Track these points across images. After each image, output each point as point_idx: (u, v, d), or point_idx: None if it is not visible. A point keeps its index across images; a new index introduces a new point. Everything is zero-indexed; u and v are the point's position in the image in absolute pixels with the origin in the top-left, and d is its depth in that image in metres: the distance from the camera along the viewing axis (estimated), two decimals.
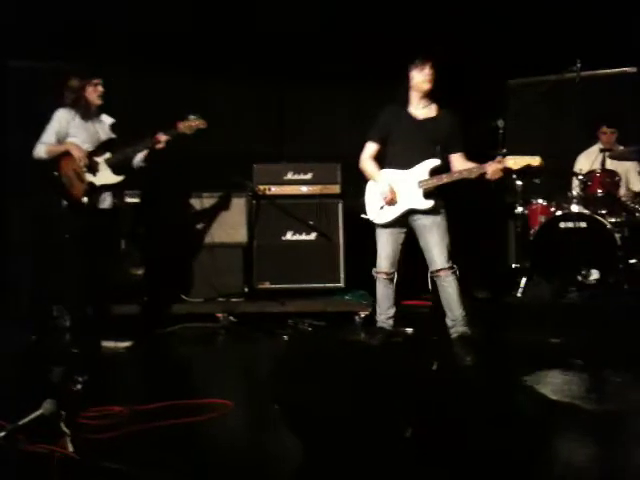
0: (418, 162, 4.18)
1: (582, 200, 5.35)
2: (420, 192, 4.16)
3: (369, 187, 4.38)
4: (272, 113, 6.49)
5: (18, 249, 5.65)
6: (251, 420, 3.31)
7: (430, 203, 4.15)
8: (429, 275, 4.25)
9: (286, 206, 5.71)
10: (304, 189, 5.79)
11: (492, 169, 4.00)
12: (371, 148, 4.33)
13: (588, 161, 5.81)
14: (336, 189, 5.72)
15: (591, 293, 4.88)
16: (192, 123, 4.57)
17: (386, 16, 5.87)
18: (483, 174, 4.04)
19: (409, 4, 5.81)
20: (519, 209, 5.55)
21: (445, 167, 4.19)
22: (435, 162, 4.16)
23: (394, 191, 4.20)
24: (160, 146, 4.57)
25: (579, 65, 5.38)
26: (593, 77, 6.17)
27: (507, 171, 4.01)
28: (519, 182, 5.54)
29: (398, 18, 5.86)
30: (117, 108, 4.76)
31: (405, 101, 4.27)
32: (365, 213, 4.39)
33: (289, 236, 5.71)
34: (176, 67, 5.88)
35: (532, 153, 5.64)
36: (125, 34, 5.58)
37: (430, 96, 4.24)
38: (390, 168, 4.29)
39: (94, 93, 4.50)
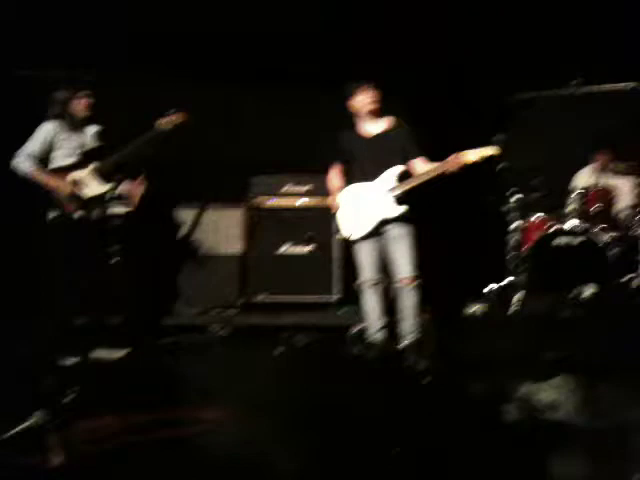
0: (380, 174, 4.29)
1: (578, 216, 5.37)
2: (391, 199, 4.25)
3: (339, 209, 4.46)
4: (274, 121, 6.42)
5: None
6: (244, 431, 3.30)
7: (403, 209, 4.25)
8: (391, 287, 4.37)
9: (283, 218, 5.71)
10: (303, 201, 5.78)
11: (449, 167, 4.12)
12: (335, 169, 4.49)
13: (585, 177, 5.84)
14: None
15: (586, 309, 4.88)
16: (171, 118, 4.58)
17: (393, 26, 5.88)
18: (444, 172, 4.15)
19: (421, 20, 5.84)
20: (516, 223, 5.56)
21: (408, 174, 4.29)
22: (399, 168, 4.26)
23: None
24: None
25: (578, 81, 5.41)
26: (594, 93, 6.23)
27: (465, 166, 4.12)
28: (518, 195, 5.55)
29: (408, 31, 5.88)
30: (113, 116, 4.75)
31: (357, 122, 4.38)
32: (340, 234, 4.49)
33: (285, 248, 5.71)
34: (171, 72, 5.81)
35: (533, 168, 5.73)
36: (118, 38, 5.58)
37: (379, 112, 4.35)
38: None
39: (79, 105, 4.52)
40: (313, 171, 5.72)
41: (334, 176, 4.51)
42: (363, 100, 4.28)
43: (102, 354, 4.55)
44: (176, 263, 5.63)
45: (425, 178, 4.20)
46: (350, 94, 4.31)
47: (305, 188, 5.81)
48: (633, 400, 3.49)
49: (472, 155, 4.09)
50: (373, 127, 4.37)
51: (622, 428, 3.17)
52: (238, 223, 5.72)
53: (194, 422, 3.13)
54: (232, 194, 5.74)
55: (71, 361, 4.40)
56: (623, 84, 6.28)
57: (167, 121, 4.57)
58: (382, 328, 4.42)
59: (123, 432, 3.00)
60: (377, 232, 4.33)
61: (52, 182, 4.45)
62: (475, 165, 4.13)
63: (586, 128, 6.08)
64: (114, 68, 5.48)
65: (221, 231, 5.69)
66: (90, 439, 2.89)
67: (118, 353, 4.58)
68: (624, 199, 5.65)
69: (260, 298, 5.64)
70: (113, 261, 4.97)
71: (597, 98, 6.30)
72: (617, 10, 5.56)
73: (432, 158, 4.37)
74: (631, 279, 5.29)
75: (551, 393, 3.63)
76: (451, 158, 4.13)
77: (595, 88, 6.30)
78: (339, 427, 2.54)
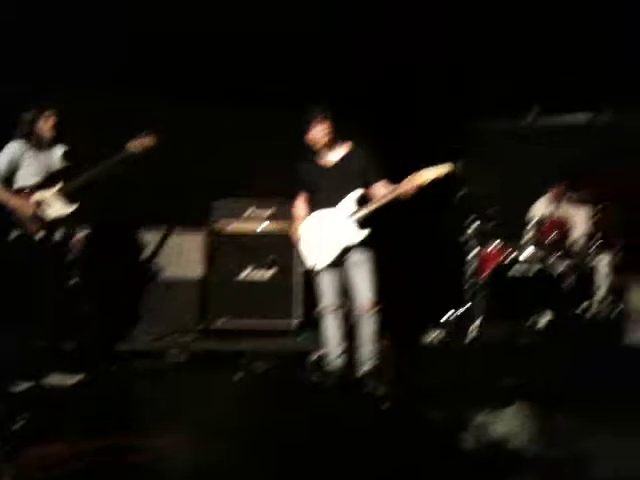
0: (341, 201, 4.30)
1: (535, 245, 5.47)
2: (353, 224, 4.25)
3: (301, 238, 4.45)
4: (238, 144, 6.25)
5: None
6: (200, 457, 3.24)
7: (365, 232, 4.24)
8: (352, 313, 4.32)
9: (245, 242, 5.69)
10: (265, 225, 5.77)
11: (407, 188, 4.12)
12: (301, 197, 4.47)
13: (542, 208, 5.96)
14: None
15: (542, 337, 4.95)
16: (143, 140, 4.56)
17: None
18: (403, 194, 4.14)
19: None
20: (474, 251, 5.64)
21: (368, 198, 4.28)
22: (357, 193, 4.26)
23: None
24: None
25: (536, 112, 5.54)
26: (550, 124, 6.39)
27: (423, 187, 4.11)
28: (476, 223, 5.63)
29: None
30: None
31: (314, 152, 4.40)
32: (304, 264, 4.46)
33: (247, 273, 5.68)
34: (138, 93, 5.78)
35: (490, 196, 5.83)
36: (88, 58, 5.54)
37: (335, 140, 4.36)
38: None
39: (46, 125, 4.49)
40: (276, 194, 5.72)
41: (299, 205, 4.52)
42: (318, 133, 4.31)
43: (55, 380, 4.45)
44: (135, 287, 5.55)
45: (384, 201, 4.21)
46: (307, 128, 4.34)
47: (268, 212, 5.79)
48: (589, 429, 3.54)
49: (428, 174, 4.10)
50: (331, 155, 4.40)
51: (578, 457, 3.20)
52: (199, 247, 5.68)
53: (149, 448, 3.07)
54: (194, 218, 5.70)
55: (23, 386, 4.29)
56: (579, 116, 6.47)
57: (138, 143, 4.56)
58: (342, 354, 4.42)
59: (76, 459, 2.93)
60: (340, 260, 4.34)
61: (14, 202, 4.40)
62: (432, 185, 4.13)
63: (542, 158, 6.22)
64: (83, 87, 5.46)
65: (182, 255, 5.64)
66: (41, 466, 2.81)
67: (72, 379, 4.49)
68: (579, 229, 5.77)
69: (220, 323, 5.59)
70: (72, 283, 4.91)
71: (553, 129, 6.47)
72: (574, 44, 5.72)
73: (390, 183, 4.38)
74: (587, 307, 5.38)
75: (507, 422, 3.66)
76: (408, 179, 4.15)
77: (551, 120, 6.47)
78: (297, 454, 2.52)
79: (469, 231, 5.63)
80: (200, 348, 5.32)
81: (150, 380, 4.86)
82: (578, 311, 5.29)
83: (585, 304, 5.38)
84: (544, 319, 5.14)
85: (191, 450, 3.22)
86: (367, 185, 4.32)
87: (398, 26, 5.73)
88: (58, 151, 4.62)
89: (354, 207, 4.28)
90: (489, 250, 5.63)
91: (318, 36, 5.83)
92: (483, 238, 5.65)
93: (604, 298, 5.45)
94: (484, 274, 5.51)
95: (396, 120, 6.05)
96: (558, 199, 5.91)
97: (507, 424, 3.64)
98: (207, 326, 5.59)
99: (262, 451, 2.59)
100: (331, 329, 4.43)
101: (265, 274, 5.69)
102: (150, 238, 5.64)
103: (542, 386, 4.24)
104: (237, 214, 5.78)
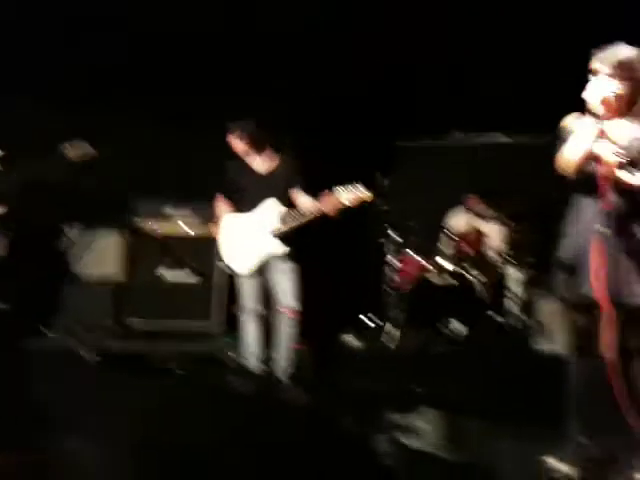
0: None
1: (452, 256, 5.62)
2: (275, 239, 4.30)
3: (221, 237, 4.47)
4: (165, 146, 6.12)
5: None
6: (110, 464, 3.18)
7: (286, 248, 4.29)
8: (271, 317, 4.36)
9: (165, 243, 5.61)
10: (185, 226, 5.71)
11: (328, 208, 4.13)
12: (222, 201, 4.50)
13: (457, 219, 6.13)
14: None
15: (457, 346, 5.10)
16: (81, 150, 4.50)
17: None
18: (322, 213, 4.17)
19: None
20: (393, 261, 5.75)
21: (291, 211, 4.32)
22: (279, 208, 4.29)
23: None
24: None
25: (459, 133, 5.72)
26: (472, 144, 6.60)
27: (341, 209, 4.13)
28: (395, 235, 5.74)
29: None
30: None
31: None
32: (223, 264, 4.48)
33: (164, 274, 5.61)
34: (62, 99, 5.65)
35: (410, 210, 5.96)
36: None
37: (267, 149, 4.40)
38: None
39: None
40: (198, 197, 5.66)
41: (221, 206, 4.50)
42: (238, 146, 4.36)
43: None
44: (52, 285, 5.39)
45: (304, 220, 4.24)
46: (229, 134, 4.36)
47: (189, 214, 5.74)
48: (497, 433, 3.67)
49: (346, 198, 4.09)
50: (258, 164, 4.42)
51: (486, 460, 3.31)
52: (118, 246, 5.57)
53: (57, 452, 2.98)
54: (114, 216, 5.59)
55: None
56: (498, 135, 6.70)
57: (78, 152, 4.50)
58: (261, 358, 4.43)
59: None
60: (261, 267, 4.36)
61: None
62: (351, 208, 4.16)
63: (461, 175, 6.40)
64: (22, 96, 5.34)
65: (100, 254, 5.52)
66: None
67: None
68: (493, 244, 5.97)
69: (136, 324, 5.49)
70: None
71: (473, 149, 6.67)
72: (496, 66, 5.93)
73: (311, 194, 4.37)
74: (498, 319, 5.57)
75: (419, 425, 3.75)
76: (326, 198, 4.14)
77: (473, 140, 6.68)
78: (212, 460, 2.51)
79: (390, 242, 5.74)
80: (115, 348, 5.20)
81: (57, 381, 4.72)
82: (490, 322, 5.47)
83: (497, 316, 5.56)
84: (458, 329, 5.29)
85: (101, 455, 3.15)
86: (291, 193, 4.34)
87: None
88: None
89: (276, 222, 4.30)
90: (407, 261, 5.75)
91: (249, 48, 5.86)
92: (403, 249, 5.77)
93: (515, 310, 5.65)
94: (402, 283, 5.62)
95: (324, 135, 6.10)
96: (473, 212, 6.09)
97: (420, 429, 3.73)
98: (123, 326, 5.47)
99: (176, 457, 2.56)
100: (251, 333, 4.43)
101: (185, 276, 5.63)
102: (69, 236, 5.50)
103: (454, 393, 4.37)
104: (158, 214, 5.70)
